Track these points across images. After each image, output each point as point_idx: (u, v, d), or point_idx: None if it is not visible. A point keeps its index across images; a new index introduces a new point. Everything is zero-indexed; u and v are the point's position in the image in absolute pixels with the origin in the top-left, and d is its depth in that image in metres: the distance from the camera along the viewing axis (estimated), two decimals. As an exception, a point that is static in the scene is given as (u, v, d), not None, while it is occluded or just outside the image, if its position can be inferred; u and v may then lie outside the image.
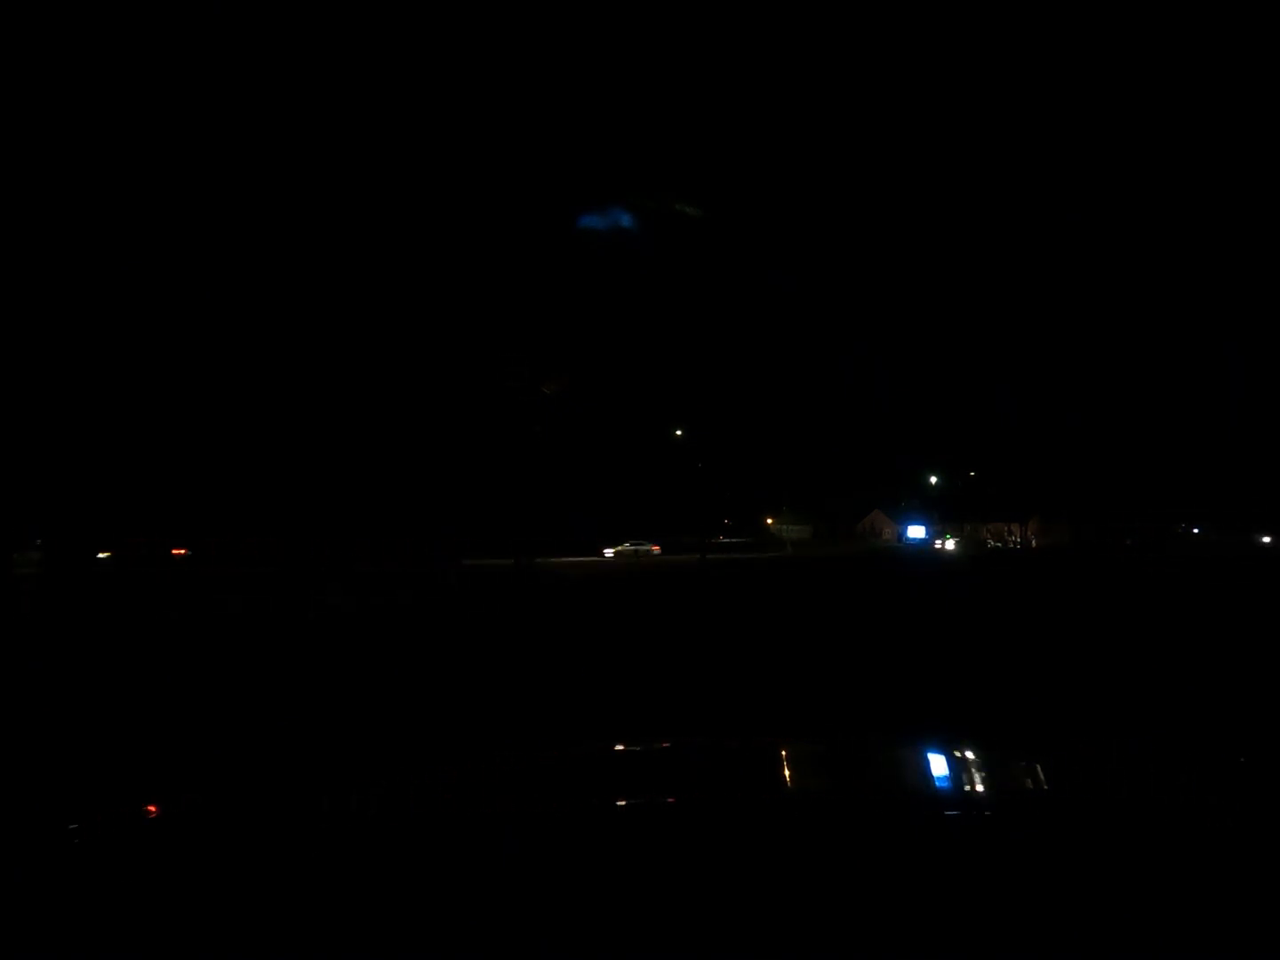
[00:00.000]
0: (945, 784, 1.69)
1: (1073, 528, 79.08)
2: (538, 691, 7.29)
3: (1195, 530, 79.01)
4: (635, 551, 59.11)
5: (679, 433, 55.58)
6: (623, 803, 1.50)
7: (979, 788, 1.70)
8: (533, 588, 23.74)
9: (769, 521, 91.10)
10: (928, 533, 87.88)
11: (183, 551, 30.19)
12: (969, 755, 1.84)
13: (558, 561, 42.60)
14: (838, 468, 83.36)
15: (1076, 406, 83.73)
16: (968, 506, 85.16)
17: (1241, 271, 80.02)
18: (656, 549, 59.51)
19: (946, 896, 1.06)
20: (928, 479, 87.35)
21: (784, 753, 1.89)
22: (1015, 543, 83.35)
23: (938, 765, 1.78)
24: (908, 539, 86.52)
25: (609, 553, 58.29)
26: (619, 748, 2.25)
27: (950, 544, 76.39)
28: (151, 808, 1.53)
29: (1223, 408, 75.60)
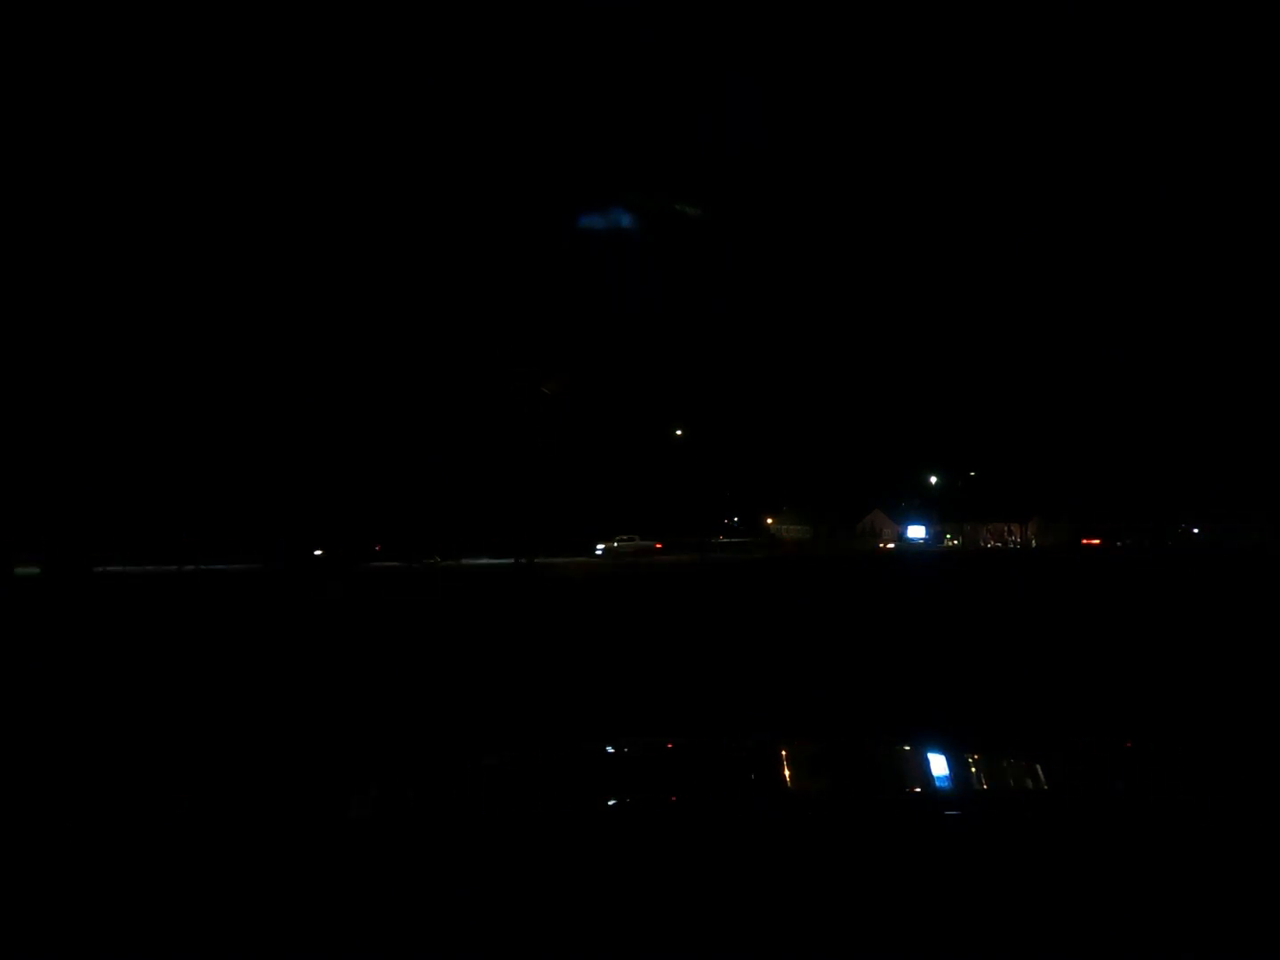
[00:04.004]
0: (945, 784, 1.69)
1: (1073, 528, 79.09)
2: (536, 691, 7.29)
3: (1195, 530, 79.01)
4: (631, 550, 49.38)
5: (679, 433, 55.36)
6: (622, 802, 1.50)
7: (979, 787, 1.69)
8: (535, 587, 23.72)
9: (769, 521, 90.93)
10: (928, 533, 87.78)
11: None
12: (969, 755, 1.84)
13: (547, 561, 40.20)
14: (838, 468, 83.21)
15: (1077, 407, 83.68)
16: (968, 506, 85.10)
17: (1241, 271, 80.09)
18: (659, 545, 50.92)
19: (947, 896, 1.06)
20: (928, 479, 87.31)
21: (784, 753, 1.89)
22: (1015, 543, 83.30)
23: (938, 765, 1.78)
24: (908, 539, 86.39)
25: (599, 549, 50.63)
26: (619, 747, 2.25)
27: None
28: (151, 806, 1.53)
29: (1223, 408, 75.67)
